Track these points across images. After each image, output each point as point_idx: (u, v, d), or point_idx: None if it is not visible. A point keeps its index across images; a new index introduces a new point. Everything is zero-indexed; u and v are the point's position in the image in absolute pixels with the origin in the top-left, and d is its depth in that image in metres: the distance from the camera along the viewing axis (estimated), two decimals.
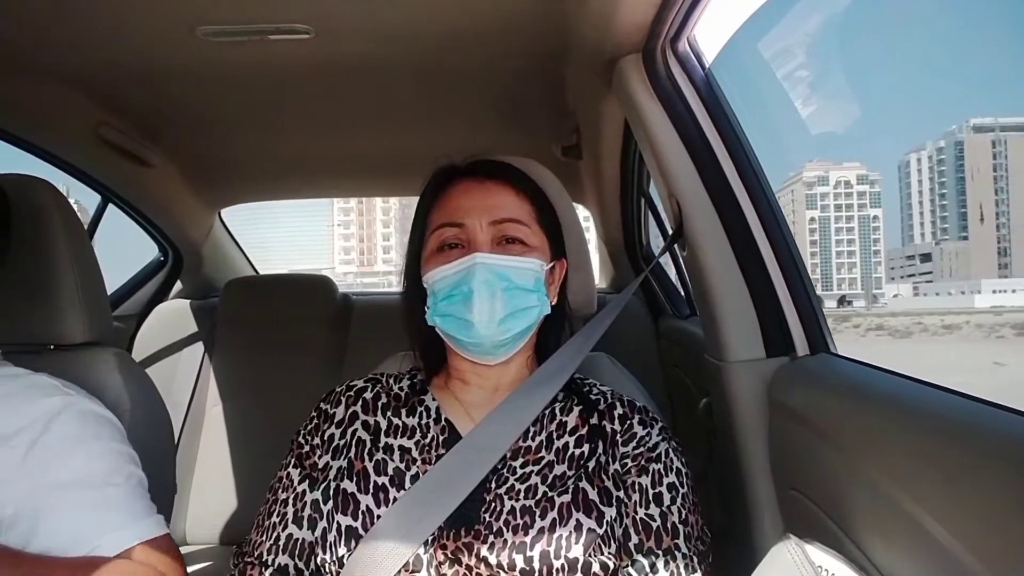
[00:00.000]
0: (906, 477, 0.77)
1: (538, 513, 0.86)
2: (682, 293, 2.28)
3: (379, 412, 0.98)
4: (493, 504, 0.88)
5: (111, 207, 2.20)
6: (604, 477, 0.92)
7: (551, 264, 0.99)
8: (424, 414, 0.98)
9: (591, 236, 2.62)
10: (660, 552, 0.88)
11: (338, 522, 0.88)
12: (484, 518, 0.87)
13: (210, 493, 2.24)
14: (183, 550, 2.15)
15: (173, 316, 2.44)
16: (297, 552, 0.91)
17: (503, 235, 0.95)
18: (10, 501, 0.84)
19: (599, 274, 2.89)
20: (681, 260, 1.47)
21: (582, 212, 2.58)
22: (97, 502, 0.88)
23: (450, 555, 0.85)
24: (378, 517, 0.87)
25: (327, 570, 0.88)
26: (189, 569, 2.00)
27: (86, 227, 2.13)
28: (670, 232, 1.30)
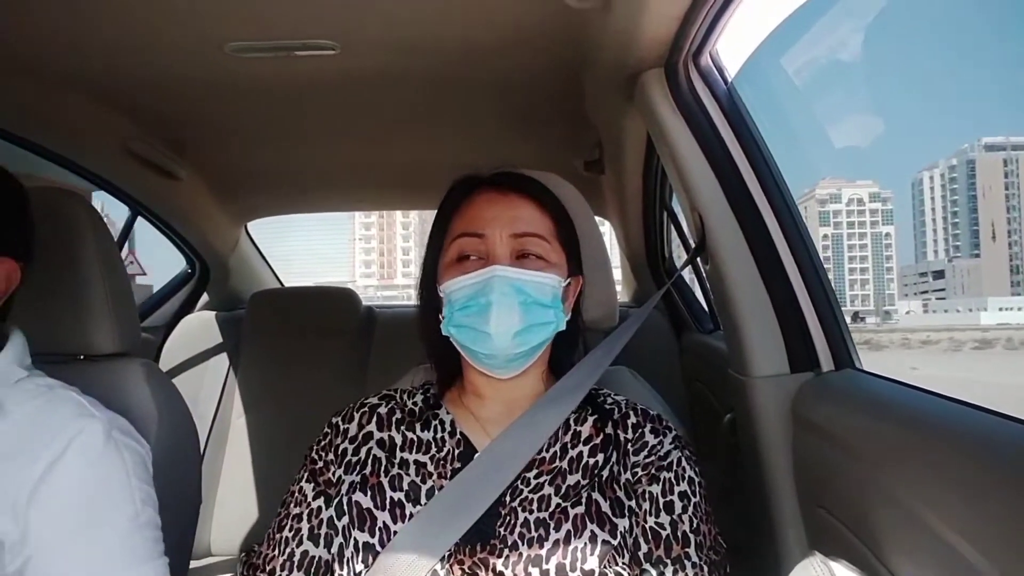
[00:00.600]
0: (933, 495, 0.76)
1: (552, 525, 0.86)
2: (705, 307, 2.27)
3: (393, 427, 0.98)
4: (508, 518, 0.88)
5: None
6: (616, 487, 0.91)
7: (568, 281, 0.98)
8: (439, 428, 0.97)
9: (613, 249, 2.62)
10: (669, 561, 0.88)
11: (355, 538, 0.87)
12: (499, 532, 0.87)
13: (235, 504, 2.25)
14: (208, 560, 2.19)
15: (200, 328, 2.47)
16: (313, 570, 0.90)
17: (523, 249, 0.94)
18: (17, 526, 0.81)
19: (621, 288, 2.89)
20: (704, 274, 1.46)
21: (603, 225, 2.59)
22: (92, 544, 0.83)
23: (467, 570, 0.85)
24: (395, 533, 0.87)
25: None
26: None
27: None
28: (693, 246, 1.30)
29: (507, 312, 0.90)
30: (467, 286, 0.92)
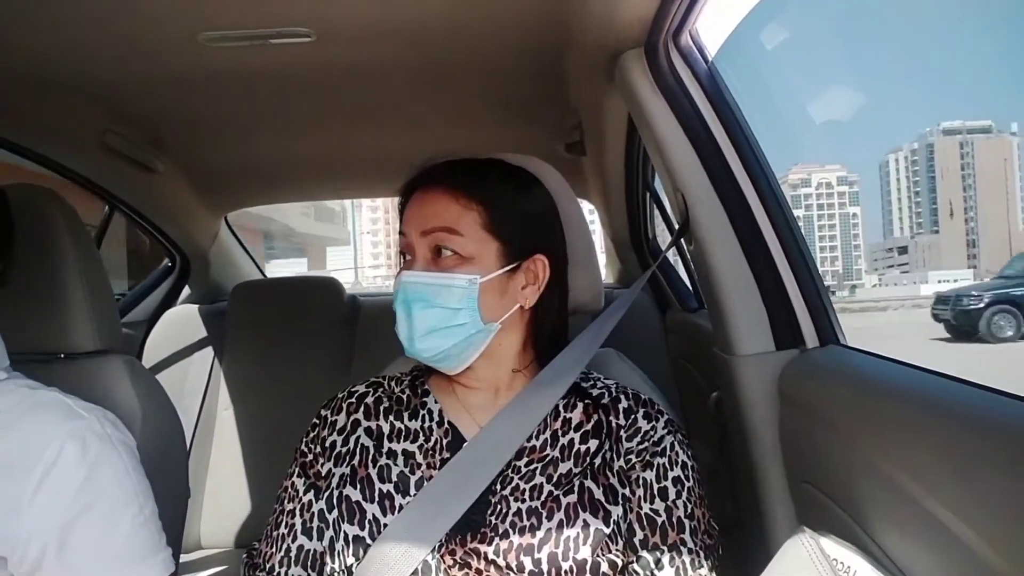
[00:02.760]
0: (919, 468, 0.76)
1: (544, 514, 0.86)
2: (689, 286, 2.27)
3: (381, 416, 0.97)
4: (499, 506, 0.88)
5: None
6: (609, 474, 0.91)
7: (491, 274, 0.93)
8: (427, 417, 0.97)
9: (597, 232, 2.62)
10: (665, 547, 0.88)
11: (344, 531, 0.87)
12: (490, 521, 0.87)
13: (224, 496, 2.25)
14: (198, 554, 2.19)
15: (182, 321, 2.45)
16: (309, 563, 0.91)
17: (434, 245, 0.92)
18: (21, 536, 0.81)
19: (605, 270, 2.89)
20: (688, 254, 1.47)
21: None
22: (101, 544, 0.84)
23: (459, 560, 0.85)
24: (384, 525, 0.87)
25: None
26: (205, 573, 2.03)
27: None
28: (676, 226, 1.30)
29: (406, 319, 0.92)
30: (394, 291, 0.94)
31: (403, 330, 0.92)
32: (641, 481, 0.92)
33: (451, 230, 0.92)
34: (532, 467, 0.91)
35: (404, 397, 1.00)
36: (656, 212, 2.28)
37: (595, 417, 0.96)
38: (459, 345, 0.92)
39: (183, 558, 1.83)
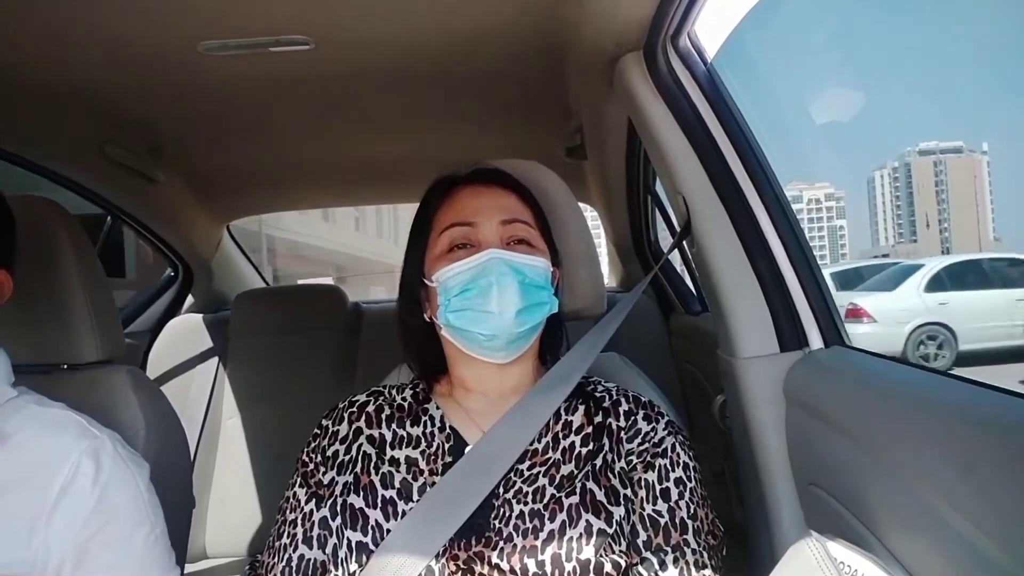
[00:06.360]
0: (926, 469, 0.76)
1: (547, 516, 0.86)
2: (693, 289, 2.27)
3: (383, 424, 0.97)
4: (502, 510, 0.87)
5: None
6: (611, 476, 0.91)
7: (552, 268, 0.99)
8: (428, 423, 0.97)
9: (598, 235, 2.62)
10: (669, 548, 0.87)
11: (348, 538, 0.87)
12: (494, 524, 0.86)
13: (228, 505, 2.25)
14: (204, 564, 2.18)
15: (186, 331, 2.45)
16: (310, 572, 0.90)
17: (513, 235, 0.96)
18: (39, 555, 0.81)
19: (608, 273, 2.89)
20: (690, 256, 1.46)
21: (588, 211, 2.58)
22: (115, 564, 0.85)
23: (462, 564, 0.84)
24: (387, 531, 0.86)
25: None
26: None
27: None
28: (678, 229, 1.29)
29: (508, 291, 0.91)
30: (465, 271, 0.92)
31: (504, 302, 0.91)
32: (643, 482, 0.91)
33: (528, 223, 0.98)
34: (534, 470, 0.91)
35: (405, 404, 1.00)
36: (658, 215, 2.27)
37: (596, 419, 0.96)
38: (537, 326, 0.96)
39: (188, 568, 1.83)
